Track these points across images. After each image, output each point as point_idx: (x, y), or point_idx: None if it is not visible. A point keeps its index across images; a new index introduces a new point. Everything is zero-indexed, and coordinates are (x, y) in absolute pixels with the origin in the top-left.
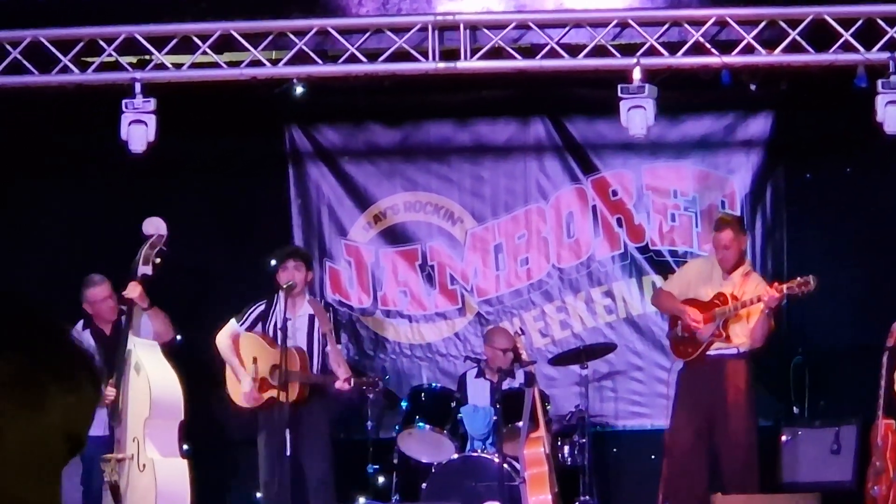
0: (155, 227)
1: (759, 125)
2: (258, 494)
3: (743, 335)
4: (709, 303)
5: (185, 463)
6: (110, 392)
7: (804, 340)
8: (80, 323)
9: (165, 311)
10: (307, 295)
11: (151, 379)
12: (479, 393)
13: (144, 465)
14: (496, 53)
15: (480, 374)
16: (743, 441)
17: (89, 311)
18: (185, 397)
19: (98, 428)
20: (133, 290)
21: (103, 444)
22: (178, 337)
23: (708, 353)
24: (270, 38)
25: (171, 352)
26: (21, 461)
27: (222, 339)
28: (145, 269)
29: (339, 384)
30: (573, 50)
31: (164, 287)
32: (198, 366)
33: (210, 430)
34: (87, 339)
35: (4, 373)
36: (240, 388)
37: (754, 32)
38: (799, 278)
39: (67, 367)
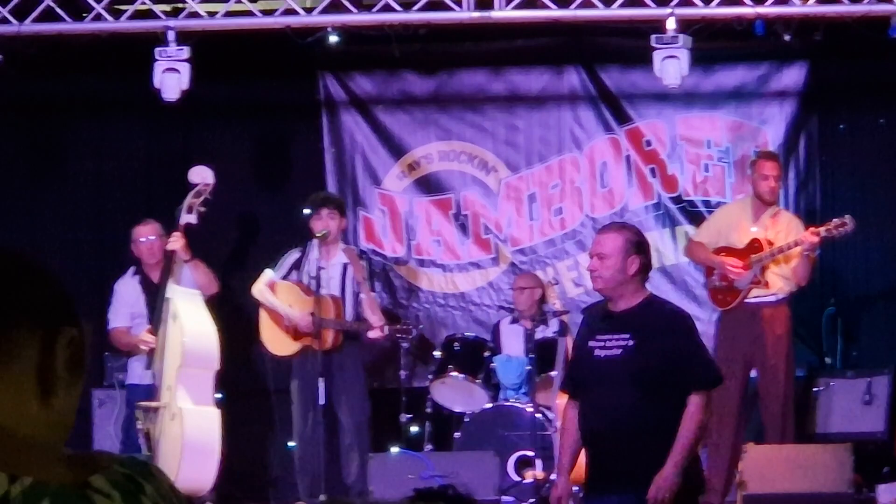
0: (201, 176)
1: (792, 76)
2: (291, 443)
3: (781, 280)
4: (744, 249)
5: (216, 413)
6: (149, 339)
7: (837, 291)
8: (131, 270)
9: (206, 264)
10: (341, 243)
11: (185, 328)
12: (513, 340)
13: (175, 414)
14: (531, 2)
15: (515, 321)
16: (781, 390)
17: (135, 252)
18: (221, 345)
19: (143, 376)
20: (175, 242)
21: (146, 392)
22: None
23: (746, 300)
24: None
25: (212, 301)
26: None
27: (259, 289)
28: (189, 218)
29: (372, 333)
30: None
31: (200, 234)
32: (233, 313)
33: (245, 378)
34: (135, 285)
35: None
36: (278, 334)
37: None
38: (835, 220)
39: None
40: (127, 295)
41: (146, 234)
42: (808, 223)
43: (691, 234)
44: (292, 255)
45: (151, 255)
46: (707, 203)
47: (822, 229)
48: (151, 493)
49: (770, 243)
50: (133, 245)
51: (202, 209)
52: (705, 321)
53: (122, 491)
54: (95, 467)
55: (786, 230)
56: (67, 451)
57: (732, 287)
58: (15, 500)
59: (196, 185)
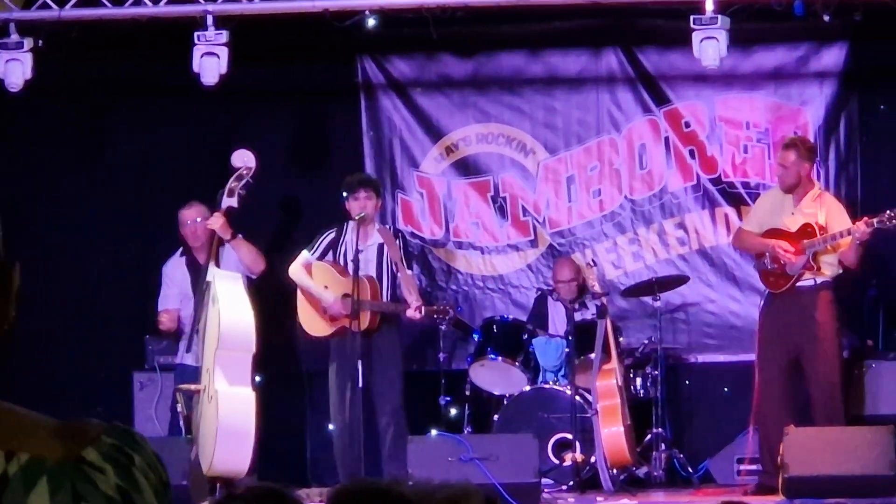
0: (243, 159)
1: (832, 56)
2: (331, 426)
3: (830, 266)
4: (796, 233)
5: (251, 395)
6: (164, 318)
7: (879, 273)
8: (178, 252)
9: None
10: (377, 223)
11: (222, 311)
12: (558, 315)
13: (211, 396)
14: None
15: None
16: (830, 372)
17: (183, 234)
18: (259, 328)
19: (190, 358)
20: (215, 222)
21: (192, 374)
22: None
23: (797, 284)
24: None
25: (254, 283)
26: None
27: (296, 270)
28: (230, 202)
29: (410, 313)
30: None
31: (240, 217)
32: (272, 296)
33: (285, 360)
34: (182, 267)
35: None
36: (315, 315)
37: None
38: (889, 212)
39: None
40: (175, 277)
41: (192, 217)
42: (848, 205)
43: (731, 215)
44: (328, 236)
45: (197, 237)
46: (746, 185)
47: (875, 220)
48: (140, 465)
49: (823, 228)
50: (180, 228)
51: (243, 193)
52: (745, 304)
53: (114, 464)
54: (85, 439)
55: (837, 214)
56: (52, 421)
57: (784, 272)
58: (14, 479)
59: (238, 168)
